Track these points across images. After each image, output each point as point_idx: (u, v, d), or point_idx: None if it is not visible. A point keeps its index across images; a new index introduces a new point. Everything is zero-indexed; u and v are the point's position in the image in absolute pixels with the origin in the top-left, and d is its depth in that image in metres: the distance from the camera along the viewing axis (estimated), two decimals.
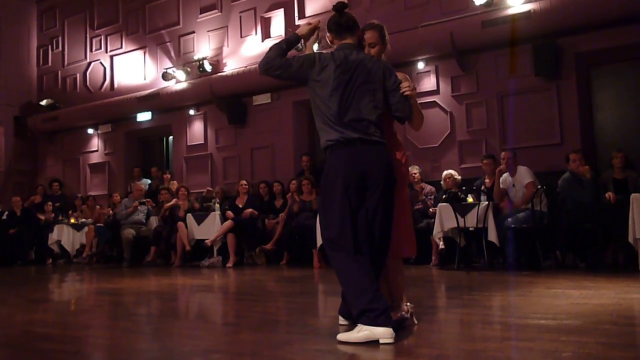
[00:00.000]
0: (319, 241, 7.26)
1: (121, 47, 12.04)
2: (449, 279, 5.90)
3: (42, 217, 10.47)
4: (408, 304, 3.23)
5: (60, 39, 13.16)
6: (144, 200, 9.57)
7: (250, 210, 8.34)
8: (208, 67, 10.19)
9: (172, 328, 3.62)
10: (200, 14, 10.81)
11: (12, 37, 13.15)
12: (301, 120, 9.85)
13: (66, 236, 9.94)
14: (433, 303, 4.43)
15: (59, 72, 13.10)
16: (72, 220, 10.08)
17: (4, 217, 10.39)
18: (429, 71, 8.46)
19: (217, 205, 8.70)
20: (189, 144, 10.90)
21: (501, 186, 6.81)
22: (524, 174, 6.69)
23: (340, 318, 3.27)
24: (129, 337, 3.45)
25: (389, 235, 3.03)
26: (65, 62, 13.03)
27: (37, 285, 7.09)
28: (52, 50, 13.28)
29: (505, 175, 6.79)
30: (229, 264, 7.99)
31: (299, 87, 9.47)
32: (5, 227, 10.20)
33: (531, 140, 7.51)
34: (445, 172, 7.52)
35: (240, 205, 8.50)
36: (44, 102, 12.68)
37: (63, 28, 13.14)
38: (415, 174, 7.71)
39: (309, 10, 9.58)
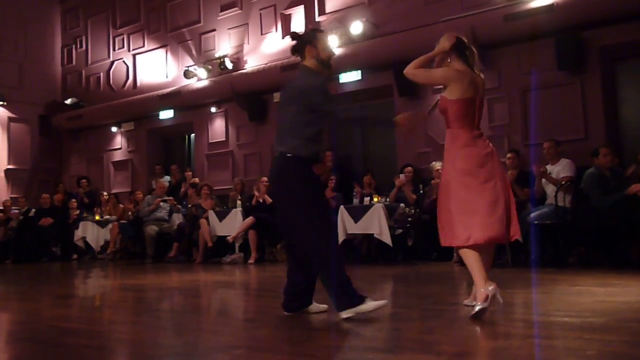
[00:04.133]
0: (341, 237, 7.28)
1: (143, 46, 12.16)
2: (470, 276, 5.84)
3: (74, 212, 10.63)
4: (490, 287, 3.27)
5: (83, 38, 13.34)
6: (167, 198, 9.67)
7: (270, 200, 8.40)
8: (229, 65, 10.23)
9: (194, 324, 3.66)
10: (221, 11, 10.86)
11: (37, 37, 13.36)
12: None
13: (91, 233, 10.11)
14: (455, 300, 4.39)
15: (83, 71, 13.29)
16: (97, 217, 10.24)
17: (31, 214, 10.58)
18: None
19: (239, 202, 8.75)
20: (210, 141, 10.97)
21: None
22: (565, 167, 6.56)
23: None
24: (152, 332, 3.49)
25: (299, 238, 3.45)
26: (89, 61, 13.20)
27: (63, 281, 7.22)
28: (76, 49, 13.47)
29: (548, 165, 6.67)
30: (251, 261, 8.03)
31: None
32: (32, 224, 10.38)
33: (554, 135, 7.38)
34: None
35: (261, 200, 8.53)
36: (68, 101, 12.88)
37: (86, 28, 13.31)
38: (439, 169, 7.66)
39: (329, 6, 9.56)
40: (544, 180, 6.60)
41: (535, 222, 6.29)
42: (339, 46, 8.98)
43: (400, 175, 7.78)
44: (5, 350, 3.27)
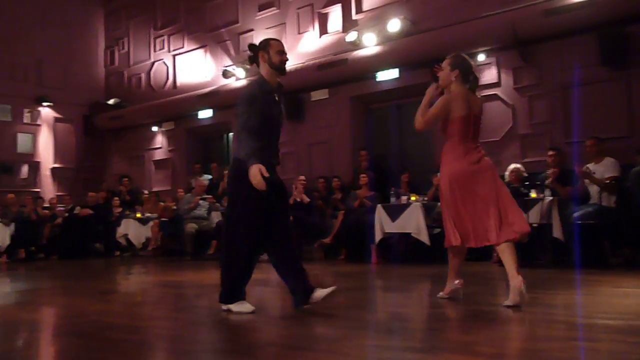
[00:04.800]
0: (378, 236, 7.25)
1: (183, 47, 12.36)
2: (507, 277, 5.75)
3: (116, 210, 10.90)
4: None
5: (125, 40, 13.65)
6: (206, 196, 9.81)
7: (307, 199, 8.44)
8: None
9: (232, 320, 3.70)
10: (259, 11, 10.95)
11: (81, 40, 13.74)
12: (358, 115, 9.82)
13: (133, 230, 10.34)
14: (494, 300, 4.33)
15: (125, 72, 13.60)
16: (138, 215, 10.46)
17: (76, 211, 10.88)
18: (490, 63, 8.24)
19: None
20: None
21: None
22: (609, 167, 6.38)
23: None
24: (191, 328, 3.55)
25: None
26: (131, 62, 13.51)
27: (106, 277, 7.41)
28: (118, 51, 13.80)
29: (591, 164, 6.49)
30: None
31: (356, 82, 9.49)
32: (77, 221, 10.68)
33: (597, 133, 7.18)
34: (511, 166, 7.30)
35: (299, 200, 8.57)
36: (111, 101, 13.21)
37: (128, 29, 13.62)
38: None
39: (367, 4, 9.53)
40: (587, 180, 6.43)
41: (579, 221, 6.14)
42: (377, 44, 8.95)
43: (438, 173, 7.69)
44: (52, 343, 3.38)
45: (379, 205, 7.41)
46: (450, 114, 3.90)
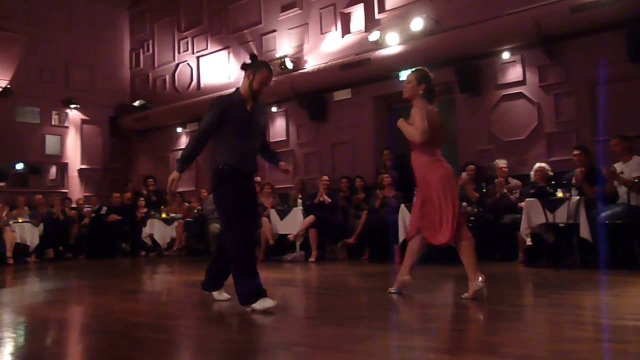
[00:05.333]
0: (401, 236, 7.22)
1: (206, 48, 12.47)
2: (536, 277, 5.69)
3: (142, 210, 11.04)
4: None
5: (150, 42, 13.82)
6: None
7: (329, 200, 8.44)
8: (289, 65, 10.35)
9: (256, 320, 3.72)
10: (281, 12, 10.99)
11: (107, 43, 13.95)
12: (381, 115, 9.79)
13: (158, 230, 10.46)
14: (519, 301, 4.28)
15: (150, 74, 13.77)
16: (163, 215, 10.58)
17: (103, 212, 11.06)
18: (514, 61, 8.15)
19: (299, 201, 8.83)
20: (271, 140, 11.11)
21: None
22: (638, 166, 6.21)
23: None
24: (215, 327, 3.58)
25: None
26: (155, 64, 13.67)
27: (132, 276, 7.51)
28: (143, 53, 13.97)
29: (619, 163, 6.36)
30: (312, 259, 8.09)
31: (379, 82, 9.47)
32: (104, 222, 10.85)
33: (625, 131, 7.03)
34: (536, 165, 7.20)
35: (322, 200, 8.57)
36: (136, 103, 13.39)
37: (153, 32, 13.78)
38: (504, 167, 7.49)
39: (389, 3, 9.49)
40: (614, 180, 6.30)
41: (606, 221, 6.02)
42: (399, 43, 8.91)
43: (462, 173, 7.63)
44: (80, 341, 3.44)
45: (402, 205, 7.37)
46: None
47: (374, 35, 9.13)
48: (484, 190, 7.64)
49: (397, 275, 4.43)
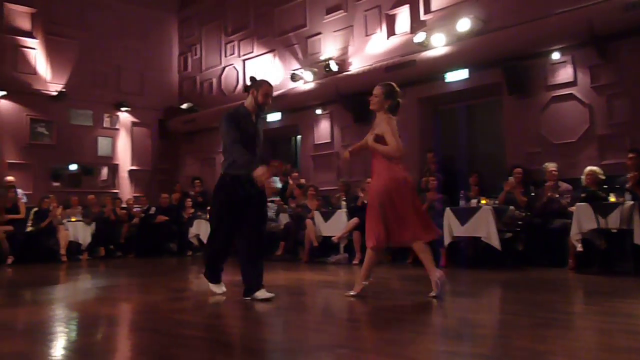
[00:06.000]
0: (446, 240, 7.13)
1: (252, 51, 12.63)
2: (586, 284, 5.52)
3: (189, 211, 11.26)
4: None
5: (198, 46, 14.10)
6: (274, 199, 9.96)
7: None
8: (334, 67, 10.36)
9: (299, 321, 3.75)
10: (326, 14, 11.02)
11: (157, 47, 14.31)
12: (426, 117, 9.69)
13: (204, 230, 10.62)
14: (569, 309, 4.16)
15: (197, 77, 14.05)
16: (209, 216, 10.74)
17: (152, 212, 11.33)
18: (565, 61, 7.93)
19: (344, 203, 8.82)
20: (315, 142, 11.17)
21: None
22: None
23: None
24: (259, 327, 3.62)
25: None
26: (203, 68, 13.93)
27: (178, 275, 7.66)
28: (191, 57, 14.27)
29: None
30: (355, 261, 8.07)
31: (424, 83, 9.38)
32: (152, 222, 11.12)
33: None
34: (587, 168, 6.98)
35: (366, 202, 8.54)
36: (184, 106, 13.67)
37: (200, 36, 14.06)
38: (553, 170, 7.30)
39: (435, 4, 9.39)
40: None
41: None
42: (446, 44, 8.81)
43: (509, 178, 7.47)
44: (128, 337, 3.53)
45: (447, 209, 7.28)
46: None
47: (419, 37, 9.05)
48: (533, 194, 7.46)
49: (357, 279, 4.73)
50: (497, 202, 7.25)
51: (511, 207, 7.15)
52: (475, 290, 5.30)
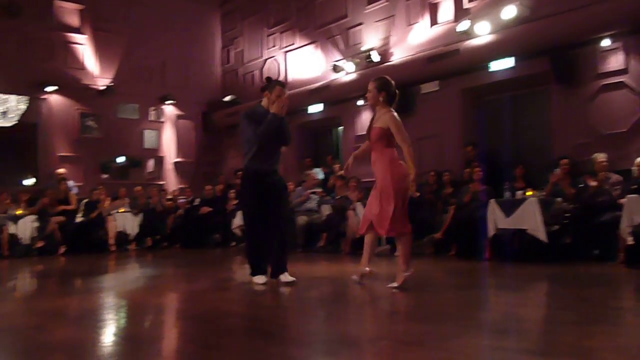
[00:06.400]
0: (490, 232, 7.02)
1: (294, 43, 12.66)
2: (637, 279, 5.35)
3: (232, 202, 11.43)
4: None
5: (240, 39, 14.24)
6: (316, 190, 10.00)
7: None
8: (376, 58, 10.29)
9: (342, 313, 3.76)
10: (368, 4, 10.94)
11: (200, 41, 14.53)
12: (470, 108, 9.53)
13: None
14: (618, 304, 4.05)
15: (239, 70, 14.19)
16: None
17: (196, 203, 11.54)
18: (616, 48, 7.65)
19: None
20: (357, 133, 11.14)
21: None
22: None
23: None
24: (302, 318, 3.66)
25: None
26: (245, 61, 14.06)
27: (223, 266, 7.79)
28: (234, 50, 14.43)
29: None
30: (397, 253, 8.01)
31: (467, 73, 9.22)
32: (197, 213, 11.32)
33: None
34: (638, 159, 6.73)
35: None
36: (226, 99, 13.85)
37: (242, 29, 14.19)
38: (603, 161, 7.07)
39: None
40: None
41: None
42: (490, 33, 8.63)
43: (555, 169, 7.28)
44: (175, 326, 3.63)
45: (492, 200, 7.16)
46: (387, 126, 4.67)
47: (463, 25, 8.89)
48: (581, 185, 7.26)
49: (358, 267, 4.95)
50: (543, 194, 7.08)
51: (558, 199, 6.97)
52: (521, 284, 5.20)
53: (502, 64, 8.67)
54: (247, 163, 5.01)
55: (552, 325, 3.30)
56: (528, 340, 2.82)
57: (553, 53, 7.97)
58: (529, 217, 6.70)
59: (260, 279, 4.95)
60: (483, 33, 8.68)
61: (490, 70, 8.85)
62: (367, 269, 4.86)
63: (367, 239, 4.89)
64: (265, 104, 5.10)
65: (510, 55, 8.54)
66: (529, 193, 6.97)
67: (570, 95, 8.12)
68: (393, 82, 4.81)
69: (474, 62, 8.90)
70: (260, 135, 4.88)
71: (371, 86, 4.77)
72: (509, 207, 6.94)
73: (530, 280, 5.42)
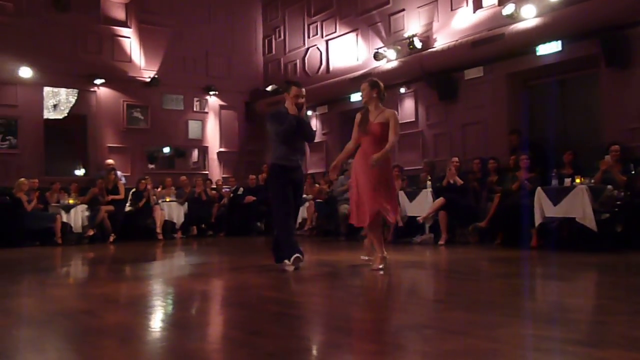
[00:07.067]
0: (537, 221, 6.86)
1: (335, 31, 12.61)
2: None
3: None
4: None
5: (281, 28, 14.27)
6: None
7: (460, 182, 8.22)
8: (418, 44, 10.15)
9: (385, 301, 3.76)
10: None
11: (242, 31, 14.63)
12: (515, 93, 9.30)
13: None
14: None
15: (281, 59, 14.23)
16: None
17: (240, 192, 11.69)
18: None
19: (429, 183, 8.70)
20: (399, 121, 11.01)
21: None
22: None
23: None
24: (345, 306, 3.67)
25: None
26: (287, 50, 14.10)
27: (266, 254, 7.87)
28: (275, 39, 14.47)
29: None
30: (441, 242, 7.96)
31: (514, 58, 9.00)
32: (241, 201, 11.48)
33: None
34: None
35: (452, 182, 8.37)
36: (269, 88, 13.92)
37: (284, 18, 14.21)
38: None
39: None
40: None
41: None
42: (536, 16, 8.38)
43: (606, 156, 7.04)
44: (220, 312, 3.70)
45: (539, 188, 6.99)
46: (387, 121, 5.13)
47: (508, 9, 8.66)
48: (633, 172, 7.00)
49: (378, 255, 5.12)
50: (592, 181, 6.87)
51: (609, 187, 6.75)
52: (569, 273, 5.08)
53: (549, 48, 8.41)
54: (274, 160, 5.40)
55: (602, 315, 3.21)
56: (576, 331, 2.76)
57: (603, 34, 7.69)
58: (578, 205, 6.51)
59: (297, 257, 5.20)
60: (529, 16, 8.44)
61: (537, 54, 8.60)
62: (385, 254, 5.14)
63: (375, 228, 5.20)
64: (287, 105, 5.46)
65: (557, 39, 8.28)
66: (577, 180, 6.77)
67: (621, 78, 7.83)
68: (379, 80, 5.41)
69: (520, 46, 8.67)
70: (281, 135, 5.28)
71: (364, 86, 5.32)
72: (557, 195, 6.76)
73: (579, 270, 5.29)
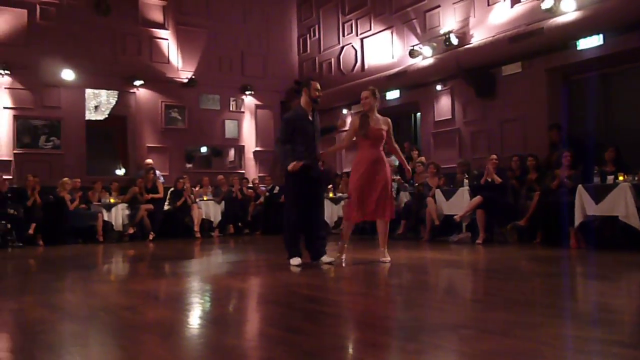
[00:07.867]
0: (578, 219, 6.71)
1: (370, 29, 12.56)
2: None
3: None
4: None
5: (316, 27, 14.30)
6: (394, 177, 9.90)
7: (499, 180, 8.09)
8: (454, 40, 10.02)
9: (422, 300, 3.73)
10: None
11: (277, 31, 14.72)
12: (555, 88, 9.10)
13: (326, 209, 10.81)
14: None
15: (316, 58, 14.26)
16: (331, 195, 10.97)
17: (276, 191, 11.77)
18: None
19: (466, 181, 8.59)
20: (436, 119, 10.93)
21: None
22: None
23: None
24: (381, 305, 3.66)
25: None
26: (321, 49, 14.11)
27: (303, 252, 7.90)
28: (310, 38, 14.51)
29: None
30: (479, 241, 7.85)
31: (552, 53, 8.80)
32: (277, 200, 11.55)
33: None
34: None
35: (490, 180, 8.25)
36: None
37: (318, 17, 14.23)
38: None
39: None
40: None
41: None
42: (577, 9, 8.18)
43: None
44: (257, 310, 3.73)
45: (580, 186, 6.82)
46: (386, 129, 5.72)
47: (547, 3, 8.47)
48: None
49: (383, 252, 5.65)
50: (637, 178, 6.67)
51: None
52: (611, 273, 4.95)
53: (590, 42, 8.20)
54: (290, 160, 5.61)
55: None
56: (619, 332, 2.69)
57: None
58: (621, 204, 6.34)
59: (296, 261, 5.54)
60: (569, 10, 8.24)
61: (578, 48, 8.40)
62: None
63: (381, 225, 5.72)
64: (305, 103, 5.67)
65: (598, 32, 8.06)
66: (620, 178, 6.59)
67: None
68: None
69: (560, 41, 8.47)
70: (280, 142, 5.73)
71: (367, 94, 5.69)
72: (599, 193, 6.59)
73: (622, 269, 5.15)
